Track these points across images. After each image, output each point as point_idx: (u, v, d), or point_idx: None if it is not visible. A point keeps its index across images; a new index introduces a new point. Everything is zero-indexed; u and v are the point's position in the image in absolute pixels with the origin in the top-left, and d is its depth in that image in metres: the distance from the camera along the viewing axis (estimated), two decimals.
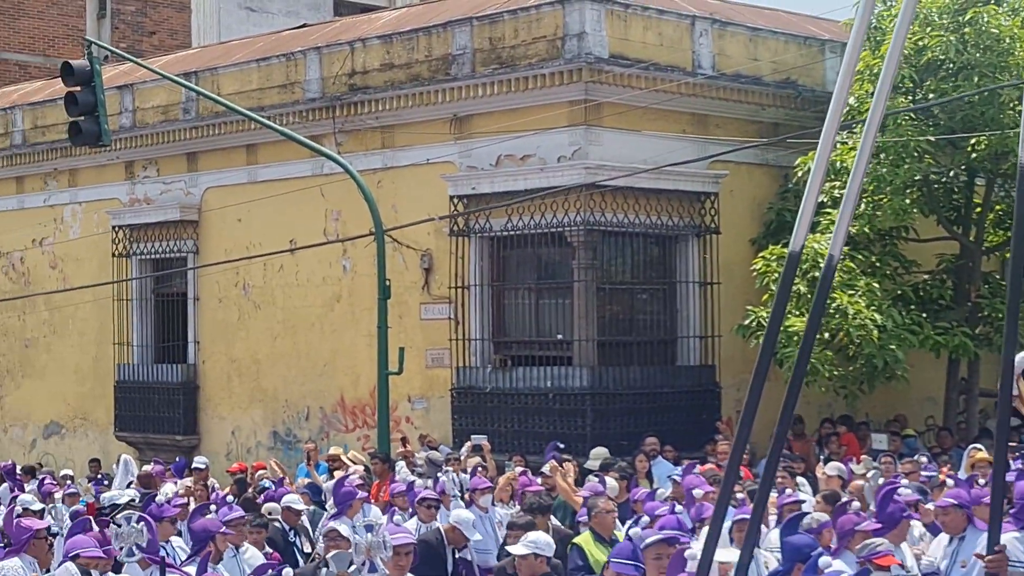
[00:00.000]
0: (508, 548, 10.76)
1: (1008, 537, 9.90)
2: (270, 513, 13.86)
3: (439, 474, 15.00)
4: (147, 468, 18.91)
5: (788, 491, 12.94)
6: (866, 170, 4.83)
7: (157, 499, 13.09)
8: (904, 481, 13.38)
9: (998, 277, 20.18)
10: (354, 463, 18.08)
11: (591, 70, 19.19)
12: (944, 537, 11.02)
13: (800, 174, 19.52)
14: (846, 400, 19.71)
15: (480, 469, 15.53)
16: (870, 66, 18.35)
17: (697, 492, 12.44)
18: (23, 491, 17.38)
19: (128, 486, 17.73)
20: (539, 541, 10.20)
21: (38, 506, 14.75)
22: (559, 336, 19.75)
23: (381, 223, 19.31)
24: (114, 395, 25.66)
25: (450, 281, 20.43)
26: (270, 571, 10.02)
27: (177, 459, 21.33)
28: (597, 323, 19.40)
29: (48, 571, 10.56)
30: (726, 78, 20.57)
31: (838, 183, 18.25)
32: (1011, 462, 13.74)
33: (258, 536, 12.50)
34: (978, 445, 15.74)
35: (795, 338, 16.75)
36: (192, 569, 10.48)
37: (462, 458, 16.88)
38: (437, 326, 20.69)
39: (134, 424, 25.25)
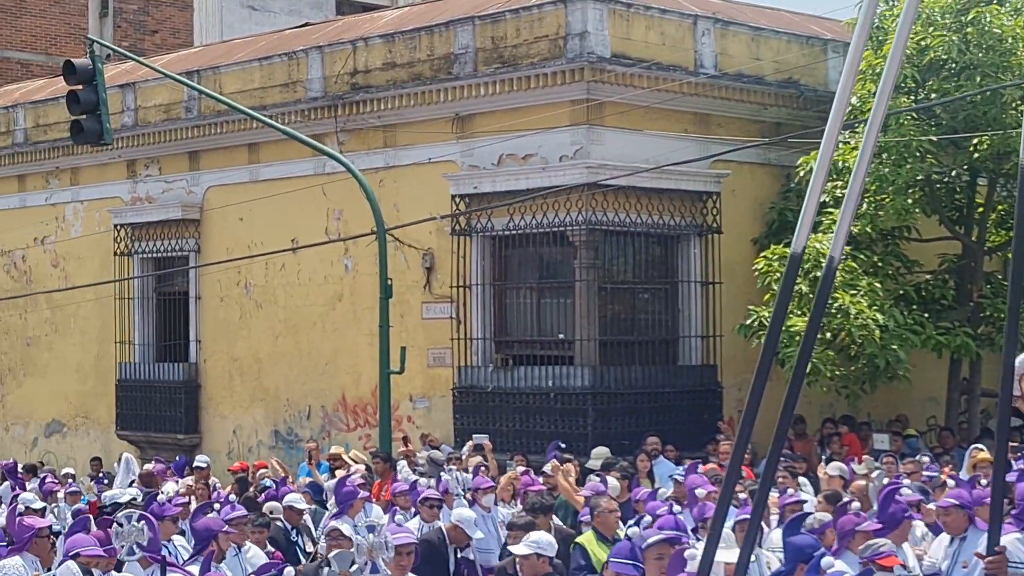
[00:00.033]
0: (510, 548, 10.76)
1: (1010, 538, 9.91)
2: (272, 512, 13.85)
3: (442, 473, 15.00)
4: (148, 467, 18.91)
5: (790, 491, 12.93)
6: (868, 170, 4.83)
7: (159, 498, 13.09)
8: (906, 481, 13.38)
9: (1000, 277, 20.17)
10: (355, 462, 18.07)
11: (593, 69, 19.19)
12: (945, 537, 11.02)
13: (802, 174, 19.53)
14: (848, 400, 19.70)
15: (482, 469, 15.53)
16: (872, 66, 18.34)
17: (700, 492, 12.43)
18: (24, 489, 17.38)
19: (130, 485, 17.73)
20: (541, 541, 10.20)
21: (39, 504, 14.74)
22: (561, 336, 19.75)
23: (383, 222, 19.32)
24: (116, 394, 25.66)
25: (452, 280, 20.43)
26: (272, 571, 10.02)
27: (177, 458, 21.33)
28: (599, 323, 19.40)
29: (50, 570, 10.56)
30: (728, 78, 20.56)
31: (840, 183, 18.24)
32: (1013, 462, 13.76)
33: (260, 536, 12.48)
34: (980, 445, 15.74)
35: (797, 338, 16.72)
36: (195, 568, 10.48)
37: (463, 457, 16.88)
38: (439, 325, 20.69)
39: (135, 423, 25.26)
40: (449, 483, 13.98)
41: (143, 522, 10.11)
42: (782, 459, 13.77)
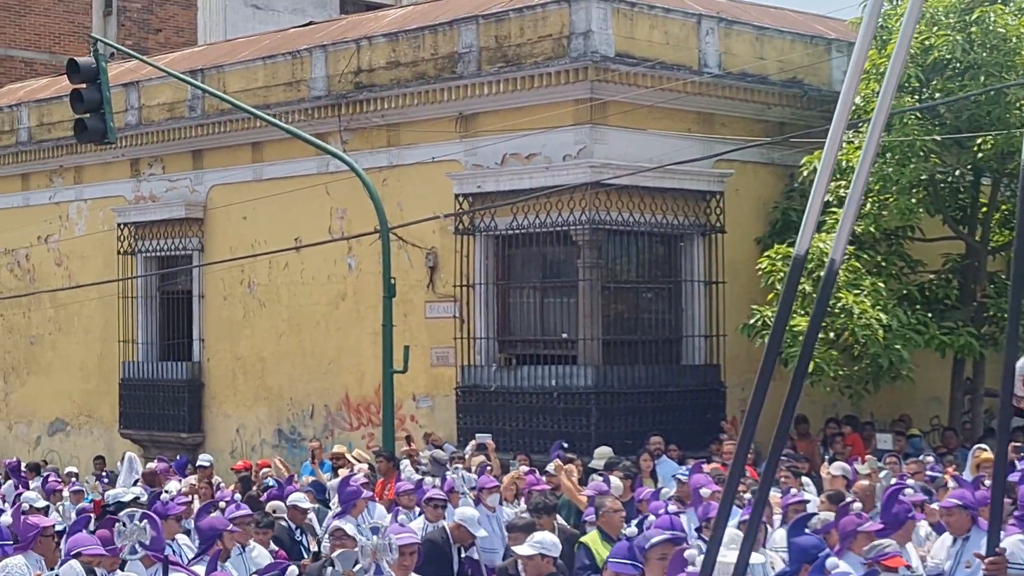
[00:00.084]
0: (514, 548, 10.75)
1: (1012, 540, 9.90)
2: (275, 511, 13.85)
3: (448, 472, 14.99)
4: (151, 465, 18.92)
5: (793, 491, 12.92)
6: (871, 169, 4.82)
7: (162, 497, 13.09)
8: (910, 481, 13.37)
9: (1004, 277, 20.14)
10: (359, 461, 18.07)
11: (597, 69, 19.18)
12: (948, 537, 11.02)
13: (806, 173, 19.53)
14: (851, 400, 19.68)
15: (487, 468, 15.52)
16: (876, 65, 18.32)
17: (704, 491, 12.42)
18: (28, 488, 17.39)
19: (134, 484, 17.73)
20: (545, 541, 10.18)
21: (42, 503, 14.75)
22: (564, 335, 19.74)
23: (386, 221, 19.31)
24: (119, 392, 25.67)
25: (455, 279, 20.43)
26: (275, 570, 10.01)
27: (178, 457, 21.33)
28: (602, 322, 19.39)
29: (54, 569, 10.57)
30: (732, 77, 20.56)
31: (844, 182, 18.23)
32: (1016, 462, 13.75)
33: (263, 537, 12.45)
34: (983, 445, 15.72)
35: (800, 338, 16.67)
36: (199, 567, 10.48)
37: (466, 457, 16.87)
38: (442, 324, 20.69)
39: (139, 421, 25.27)
40: (455, 482, 13.96)
41: (145, 521, 10.11)
42: (785, 459, 13.79)
